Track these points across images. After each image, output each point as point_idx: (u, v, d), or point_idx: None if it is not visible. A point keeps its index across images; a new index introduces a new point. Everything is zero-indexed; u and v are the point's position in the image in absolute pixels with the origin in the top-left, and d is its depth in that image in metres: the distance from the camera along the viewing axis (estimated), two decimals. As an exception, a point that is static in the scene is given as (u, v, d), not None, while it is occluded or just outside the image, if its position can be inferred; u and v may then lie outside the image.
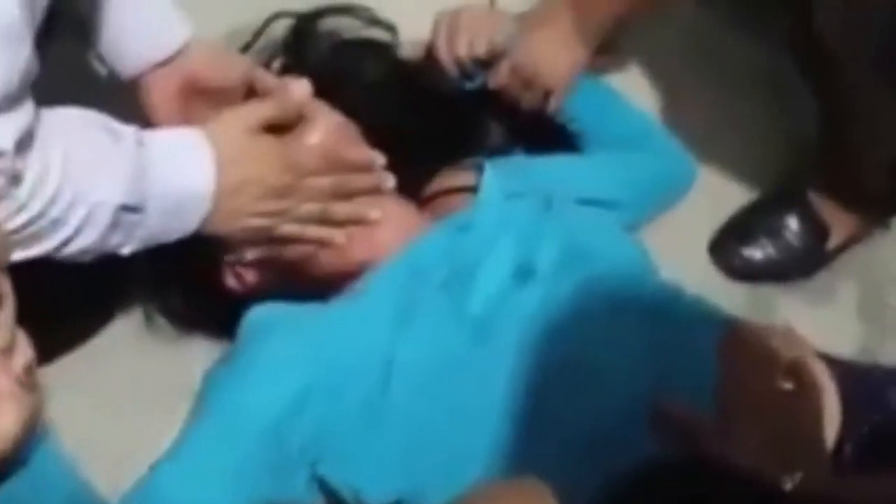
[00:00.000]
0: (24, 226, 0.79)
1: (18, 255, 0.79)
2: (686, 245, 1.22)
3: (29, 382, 0.65)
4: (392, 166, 1.04)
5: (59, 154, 0.80)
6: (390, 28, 1.24)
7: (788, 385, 0.69)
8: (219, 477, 0.89)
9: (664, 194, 1.21)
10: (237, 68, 1.04)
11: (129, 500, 0.90)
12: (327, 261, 1.01)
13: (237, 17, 1.19)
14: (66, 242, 0.83)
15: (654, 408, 0.75)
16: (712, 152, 1.28)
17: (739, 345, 0.73)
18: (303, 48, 1.18)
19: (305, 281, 1.03)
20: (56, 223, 0.81)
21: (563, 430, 0.87)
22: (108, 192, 0.83)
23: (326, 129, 0.99)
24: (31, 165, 0.77)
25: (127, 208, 0.84)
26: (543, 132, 1.21)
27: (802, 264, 1.25)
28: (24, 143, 0.76)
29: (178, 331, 1.12)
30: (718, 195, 1.27)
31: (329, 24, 1.21)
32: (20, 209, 0.77)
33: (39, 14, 0.77)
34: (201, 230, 0.92)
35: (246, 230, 0.96)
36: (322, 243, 1.00)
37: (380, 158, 1.01)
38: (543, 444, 0.87)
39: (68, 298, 1.02)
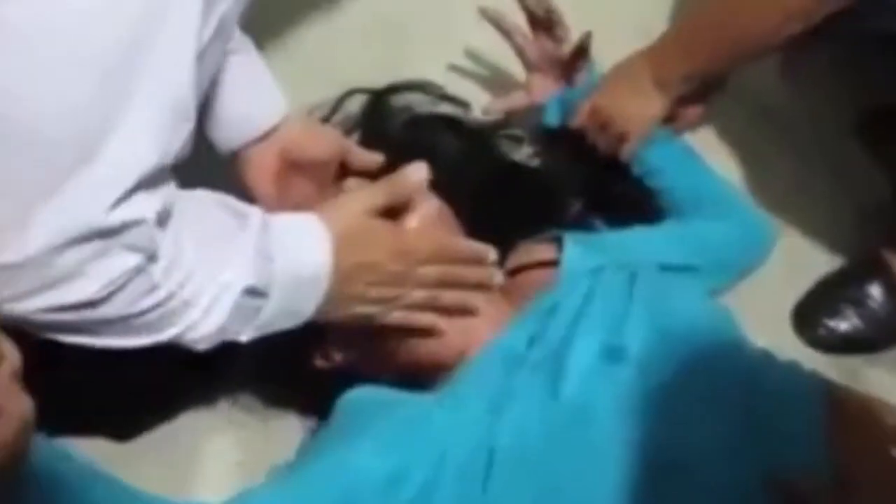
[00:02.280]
0: (155, 306, 0.77)
1: (147, 341, 0.78)
2: (767, 314, 1.20)
3: (15, 390, 0.62)
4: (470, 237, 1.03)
5: (192, 235, 0.78)
6: (462, 103, 1.26)
7: None
8: None
9: (744, 259, 1.19)
10: (331, 142, 1.04)
11: None
12: (424, 349, 0.99)
13: (314, 93, 1.20)
14: (192, 326, 0.80)
15: (772, 481, 0.73)
16: (788, 220, 1.27)
17: (844, 416, 0.71)
18: (379, 123, 1.18)
19: (393, 365, 1.01)
20: (186, 304, 0.79)
21: None
22: (236, 275, 0.81)
23: (434, 215, 0.98)
24: (167, 244, 0.76)
25: (253, 291, 0.82)
26: (619, 198, 1.21)
27: (887, 335, 1.23)
28: (164, 219, 0.75)
29: (261, 410, 1.10)
30: (797, 263, 1.26)
31: (403, 99, 1.22)
32: (152, 289, 0.76)
33: (200, 98, 0.76)
34: (323, 316, 0.90)
35: (355, 317, 0.93)
36: (423, 332, 0.98)
37: (492, 254, 0.99)
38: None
39: (153, 383, 1.00)
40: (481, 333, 0.97)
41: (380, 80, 1.23)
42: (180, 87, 0.71)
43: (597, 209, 1.21)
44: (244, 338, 0.86)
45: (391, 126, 1.18)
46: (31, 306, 0.71)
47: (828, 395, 0.92)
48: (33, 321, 0.73)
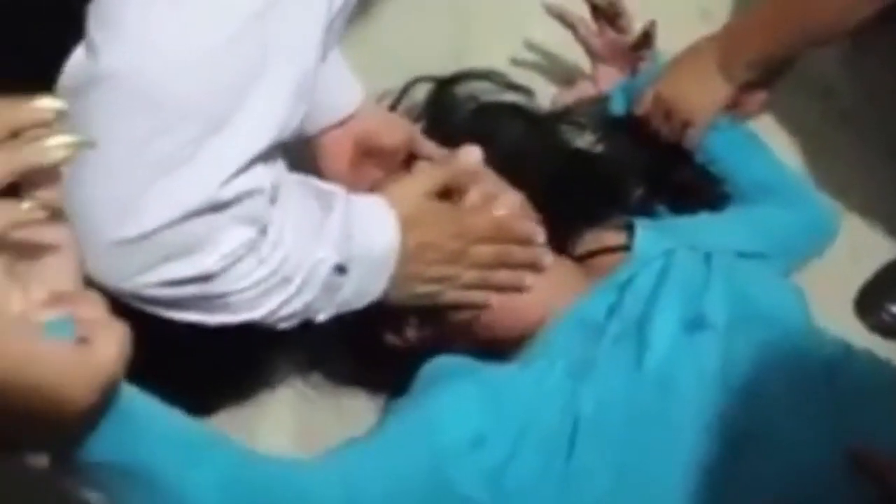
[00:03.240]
0: (260, 281, 0.79)
1: (242, 317, 0.80)
2: (829, 300, 1.19)
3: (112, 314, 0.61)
4: (542, 224, 1.05)
5: (292, 213, 0.81)
6: (527, 91, 1.27)
7: None
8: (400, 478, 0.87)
9: (808, 245, 1.20)
10: (402, 130, 1.07)
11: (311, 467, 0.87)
12: (493, 321, 1.01)
13: (380, 81, 1.22)
14: (286, 303, 0.83)
15: (856, 454, 0.75)
16: (851, 205, 1.28)
17: None
18: (444, 111, 1.21)
19: (467, 340, 1.03)
20: (285, 281, 0.81)
21: (751, 491, 0.86)
22: (326, 253, 0.84)
23: (496, 197, 1.01)
24: (275, 219, 0.78)
25: (339, 269, 0.85)
26: (684, 185, 1.22)
27: (951, 320, 1.23)
28: (275, 195, 0.78)
29: (336, 387, 1.12)
30: (859, 248, 1.26)
31: (468, 88, 1.23)
32: (261, 262, 0.78)
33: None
34: (390, 296, 0.92)
35: (415, 296, 0.96)
36: (480, 307, 1.01)
37: (541, 235, 1.02)
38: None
39: (229, 362, 1.03)
40: (557, 303, 0.99)
41: (446, 70, 1.25)
42: (307, 64, 0.74)
43: (660, 196, 1.23)
44: (323, 316, 0.88)
45: (457, 114, 1.20)
46: (146, 280, 0.73)
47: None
48: (144, 295, 0.74)
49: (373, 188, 1.04)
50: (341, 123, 1.03)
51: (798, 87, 1.30)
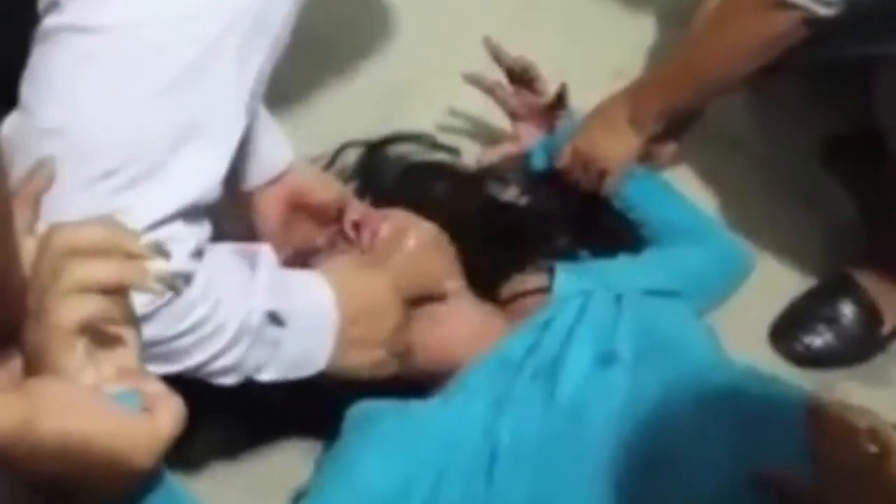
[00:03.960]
0: (191, 329, 0.82)
1: (175, 368, 0.83)
2: (744, 335, 1.26)
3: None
4: (467, 271, 1.13)
5: (220, 266, 0.85)
6: (453, 151, 1.35)
7: (873, 448, 0.74)
8: None
9: (723, 283, 1.27)
10: (332, 188, 1.15)
11: None
12: (418, 365, 1.07)
13: (312, 148, 1.29)
14: (221, 353, 0.86)
15: (756, 474, 0.80)
16: (761, 244, 1.35)
17: (822, 421, 0.78)
18: (376, 171, 1.28)
19: (392, 381, 1.07)
20: (218, 328, 0.84)
21: None
22: (258, 300, 0.88)
23: (433, 236, 1.11)
24: (200, 270, 0.82)
25: (273, 318, 0.89)
26: (603, 231, 1.29)
27: (860, 349, 1.30)
28: (200, 252, 0.82)
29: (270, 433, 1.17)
30: (771, 285, 1.33)
31: (397, 150, 1.32)
32: (191, 307, 0.81)
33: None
34: (336, 365, 0.96)
35: (375, 364, 1.01)
36: (422, 349, 1.07)
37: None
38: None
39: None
40: (480, 345, 1.05)
41: (376, 136, 1.33)
42: (235, 129, 0.80)
43: (582, 242, 1.29)
44: (265, 376, 0.92)
45: (387, 174, 1.28)
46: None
47: (807, 402, 0.99)
48: None
49: (307, 241, 1.11)
50: (274, 181, 1.09)
51: (707, 137, 1.38)
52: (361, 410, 1.03)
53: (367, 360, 1.00)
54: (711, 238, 1.28)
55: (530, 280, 1.18)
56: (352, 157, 1.31)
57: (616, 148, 1.26)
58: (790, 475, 0.80)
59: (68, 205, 0.72)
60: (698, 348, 1.06)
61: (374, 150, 1.30)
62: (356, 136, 1.32)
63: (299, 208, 1.12)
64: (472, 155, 1.38)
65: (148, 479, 0.66)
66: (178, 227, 0.78)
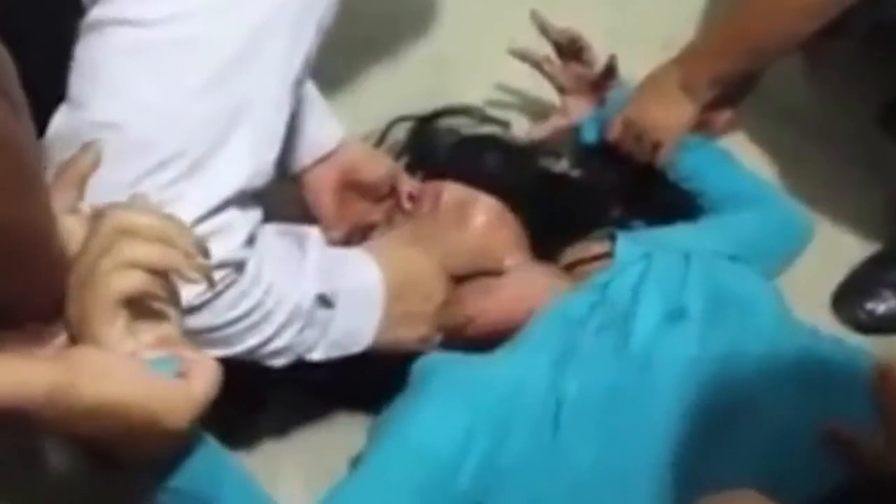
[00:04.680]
0: (243, 316, 0.83)
1: (228, 352, 0.84)
2: (806, 302, 1.22)
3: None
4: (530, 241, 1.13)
5: (268, 251, 0.86)
6: (503, 123, 1.34)
7: None
8: None
9: (783, 249, 1.24)
10: (383, 164, 1.15)
11: None
12: (481, 328, 1.07)
13: (361, 127, 1.28)
14: (272, 337, 0.87)
15: (825, 432, 0.78)
16: (821, 211, 1.33)
17: (891, 382, 0.76)
18: (427, 146, 1.27)
19: (455, 341, 1.08)
20: (269, 314, 0.85)
21: (727, 468, 0.90)
22: (307, 284, 0.88)
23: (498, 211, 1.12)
24: (253, 260, 0.83)
25: (323, 300, 0.90)
26: (658, 202, 1.28)
27: (925, 315, 1.27)
28: (252, 240, 0.83)
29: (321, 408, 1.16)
30: (831, 253, 1.31)
31: (447, 124, 1.30)
32: (242, 295, 0.82)
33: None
34: (381, 341, 0.97)
35: (419, 339, 1.02)
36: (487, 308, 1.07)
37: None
38: (705, 484, 0.90)
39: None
40: (542, 303, 1.05)
41: (423, 111, 1.31)
42: (274, 114, 0.80)
43: (636, 213, 1.28)
44: (316, 356, 0.92)
45: (439, 148, 1.27)
46: None
47: (874, 363, 0.97)
48: None
49: (360, 219, 1.10)
50: (324, 160, 1.09)
51: (763, 104, 1.36)
52: (425, 364, 1.02)
53: (411, 335, 1.01)
54: (771, 204, 1.26)
55: (592, 247, 1.17)
56: (401, 133, 1.30)
57: (669, 118, 1.24)
58: (860, 434, 0.78)
59: (123, 197, 0.72)
60: (766, 308, 1.04)
61: (424, 125, 1.29)
62: (405, 113, 1.31)
63: (351, 186, 1.12)
64: (521, 128, 1.37)
65: (189, 442, 0.70)
66: (232, 215, 0.79)
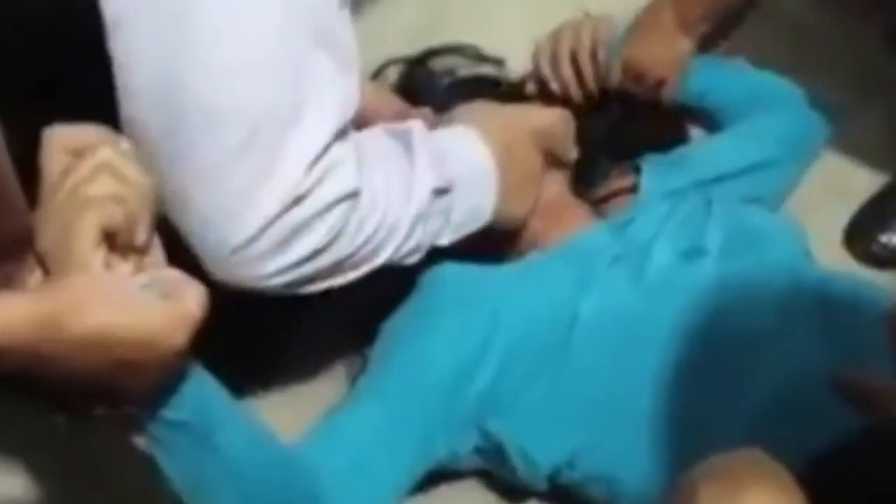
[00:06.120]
0: (368, 240, 0.86)
1: (367, 269, 0.88)
2: (816, 239, 1.18)
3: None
4: None
5: (376, 166, 0.86)
6: (498, 62, 1.29)
7: None
8: (398, 426, 0.93)
9: (811, 144, 1.23)
10: (394, 103, 1.14)
11: (311, 438, 0.93)
12: (521, 242, 1.09)
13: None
14: (402, 244, 0.90)
15: (839, 378, 0.75)
16: (832, 144, 1.28)
17: None
18: (420, 88, 1.23)
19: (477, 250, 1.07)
20: (394, 228, 0.88)
21: (741, 399, 0.90)
22: (422, 181, 0.90)
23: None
24: (365, 182, 0.84)
25: (439, 192, 0.91)
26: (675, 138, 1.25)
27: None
28: (360, 161, 0.84)
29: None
30: (840, 184, 1.27)
31: (441, 64, 1.27)
32: (361, 224, 0.85)
33: None
34: (501, 213, 1.00)
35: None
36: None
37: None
38: (718, 413, 0.90)
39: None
40: (566, 228, 1.07)
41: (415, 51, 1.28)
42: (341, 39, 0.80)
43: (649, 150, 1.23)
44: (445, 241, 0.96)
45: (433, 90, 1.23)
46: (268, 269, 0.81)
47: (890, 301, 0.95)
48: (274, 284, 0.82)
49: None
50: None
51: (768, 22, 1.32)
52: (439, 272, 1.03)
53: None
54: (790, 99, 1.24)
55: (617, 181, 1.17)
56: (394, 75, 1.26)
57: (667, 53, 1.21)
58: (868, 375, 0.75)
59: (222, 178, 0.76)
60: (787, 243, 1.05)
61: (416, 66, 1.26)
62: (398, 54, 1.28)
63: (365, 125, 1.09)
64: (517, 65, 1.31)
65: (186, 373, 0.70)
66: (338, 151, 0.81)
